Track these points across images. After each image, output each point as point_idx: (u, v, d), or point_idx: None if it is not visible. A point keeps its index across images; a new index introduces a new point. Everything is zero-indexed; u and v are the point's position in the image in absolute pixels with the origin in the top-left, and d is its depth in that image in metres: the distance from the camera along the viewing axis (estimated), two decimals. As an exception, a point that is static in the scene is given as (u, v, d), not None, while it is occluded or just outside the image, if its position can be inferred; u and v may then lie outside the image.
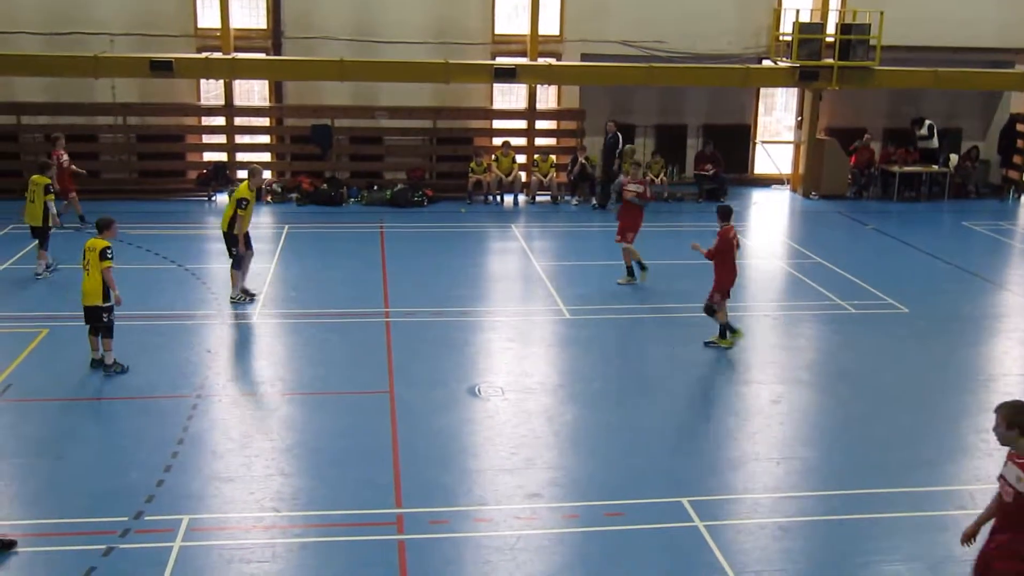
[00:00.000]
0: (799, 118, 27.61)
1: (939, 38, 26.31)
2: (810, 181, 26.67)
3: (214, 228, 21.38)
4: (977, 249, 21.96)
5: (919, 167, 26.73)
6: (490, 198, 25.19)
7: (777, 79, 26.42)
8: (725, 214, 14.65)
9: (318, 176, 25.13)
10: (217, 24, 24.41)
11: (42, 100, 24.53)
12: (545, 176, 25.42)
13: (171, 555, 9.01)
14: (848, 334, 15.69)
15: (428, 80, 24.58)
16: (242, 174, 25.09)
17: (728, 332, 14.69)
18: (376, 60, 24.27)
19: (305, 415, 12.26)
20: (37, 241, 17.60)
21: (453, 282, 17.91)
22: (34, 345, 13.86)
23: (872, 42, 25.05)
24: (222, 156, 25.34)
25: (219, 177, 24.69)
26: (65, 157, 20.76)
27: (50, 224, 17.48)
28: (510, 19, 26.11)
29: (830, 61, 25.13)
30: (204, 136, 25.99)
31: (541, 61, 25.05)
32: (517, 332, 15.46)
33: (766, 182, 28.03)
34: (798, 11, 25.85)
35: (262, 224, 22.72)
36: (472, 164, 25.10)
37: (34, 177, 17.62)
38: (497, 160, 25.20)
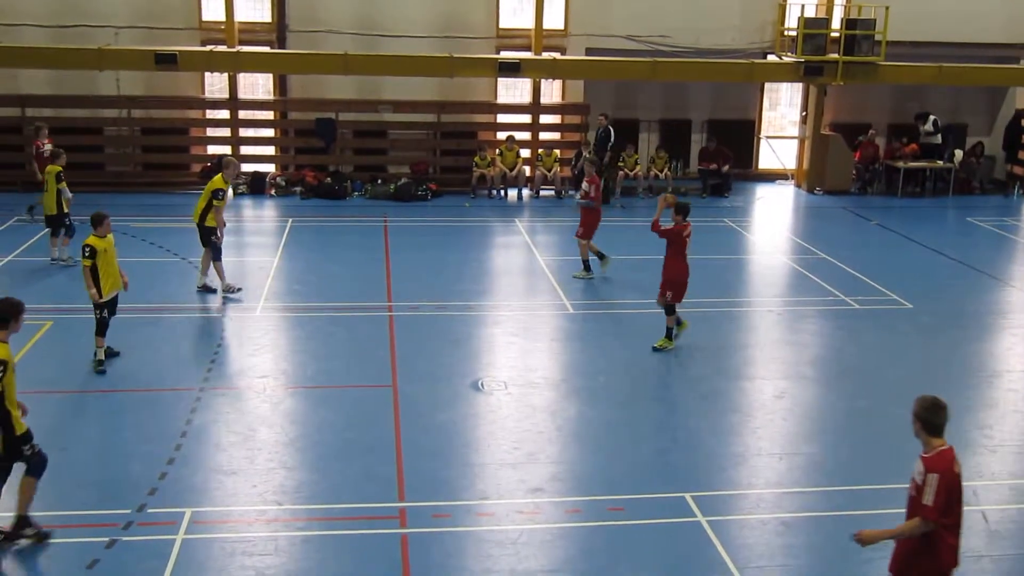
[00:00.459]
0: (803, 113, 27.56)
1: (944, 33, 26.24)
2: (814, 176, 26.64)
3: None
4: (981, 245, 21.93)
5: (923, 163, 26.68)
6: (494, 192, 25.18)
7: (782, 74, 26.36)
8: (683, 210, 14.43)
9: (322, 170, 25.13)
10: (222, 17, 24.39)
11: (46, 92, 24.54)
12: (549, 170, 25.40)
13: (174, 548, 9.03)
14: (852, 330, 15.67)
15: (432, 74, 24.55)
16: (244, 167, 25.22)
17: (674, 329, 14.59)
18: (380, 54, 24.25)
19: (308, 408, 12.27)
20: (51, 230, 17.62)
21: (457, 276, 17.91)
22: (38, 337, 13.87)
23: (877, 37, 24.99)
24: (226, 149, 25.32)
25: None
26: (47, 147, 20.65)
27: (66, 210, 17.49)
28: (515, 13, 26.06)
29: (835, 56, 25.07)
30: (208, 129, 25.97)
31: (545, 55, 25.01)
32: (521, 327, 15.46)
33: (770, 177, 27.99)
34: (803, 6, 25.78)
35: (266, 217, 22.77)
36: (476, 158, 25.07)
37: (48, 167, 17.63)
38: (501, 154, 25.18)
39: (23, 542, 8.96)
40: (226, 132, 25.47)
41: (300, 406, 12.37)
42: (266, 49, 24.85)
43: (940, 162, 26.72)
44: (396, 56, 24.15)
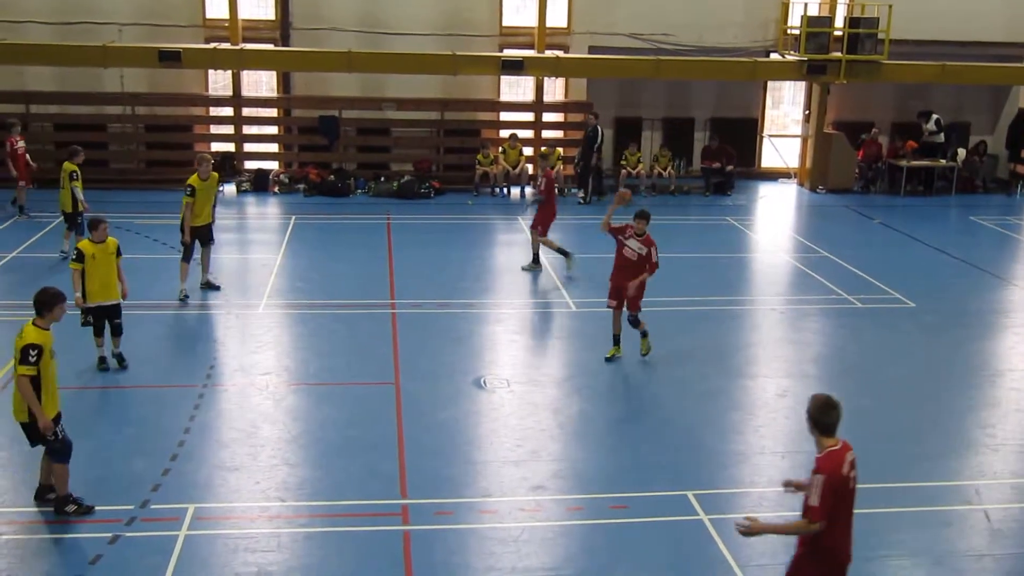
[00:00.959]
0: (806, 112, 27.55)
1: (947, 32, 26.23)
2: (817, 175, 26.63)
3: (221, 218, 21.41)
4: (984, 244, 21.91)
5: (926, 161, 26.66)
6: (497, 190, 25.18)
7: (785, 73, 26.34)
8: (642, 216, 13.53)
9: (325, 167, 25.14)
10: (225, 15, 24.42)
11: (51, 89, 24.57)
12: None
13: (177, 544, 9.05)
14: (854, 328, 15.67)
15: (436, 72, 24.56)
16: (250, 164, 25.28)
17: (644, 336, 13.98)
18: (384, 52, 24.26)
19: (311, 405, 12.29)
20: (67, 225, 17.72)
21: (459, 274, 17.92)
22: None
23: (880, 36, 24.98)
24: (230, 146, 25.37)
25: (227, 167, 24.71)
26: (20, 144, 20.66)
27: (79, 209, 17.50)
28: (518, 11, 26.07)
29: (838, 55, 25.05)
30: (212, 127, 26.00)
31: (549, 53, 25.01)
32: (523, 324, 15.48)
33: (773, 176, 27.98)
34: (806, 4, 25.77)
35: (269, 215, 22.80)
36: (479, 156, 25.08)
37: (64, 164, 17.63)
38: (504, 152, 25.19)
39: (69, 508, 9.45)
40: (230, 129, 25.51)
41: (303, 403, 12.39)
42: (270, 47, 24.88)
43: (943, 161, 26.70)
44: (399, 54, 24.16)
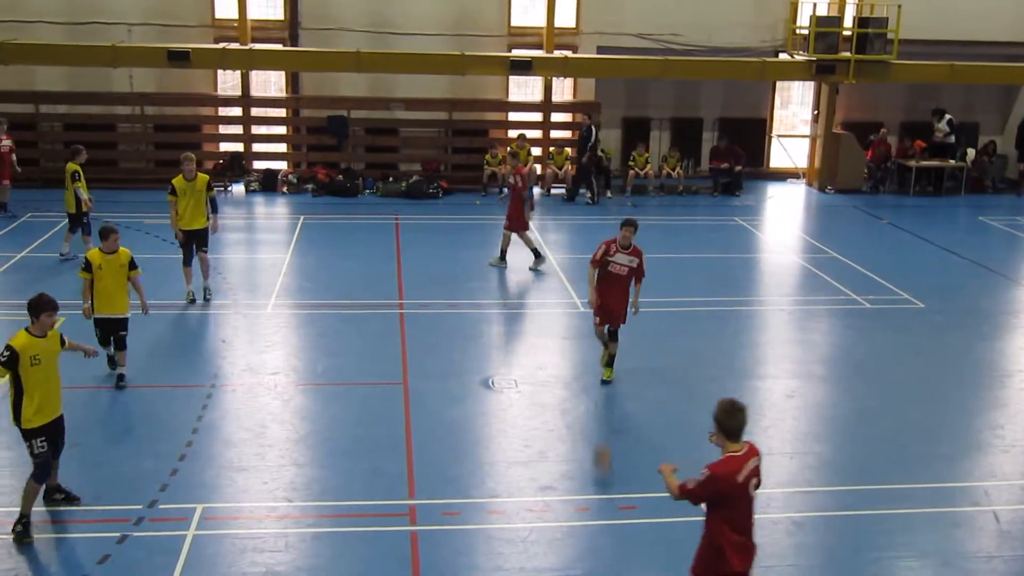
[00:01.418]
0: (815, 112, 27.49)
1: (956, 32, 26.15)
2: (826, 175, 26.57)
3: (230, 218, 21.52)
4: (994, 244, 21.85)
5: (935, 162, 26.59)
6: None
7: (793, 72, 26.30)
8: (631, 224, 12.75)
9: (334, 167, 25.17)
10: (234, 15, 24.46)
11: (61, 89, 24.63)
12: (560, 169, 25.41)
13: (184, 543, 9.06)
14: (863, 329, 15.63)
15: (444, 72, 24.57)
16: (259, 164, 25.32)
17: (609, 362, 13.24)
18: (392, 52, 24.27)
19: (319, 405, 12.30)
20: (70, 226, 17.75)
21: (467, 274, 17.92)
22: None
23: (889, 35, 24.92)
24: (238, 146, 25.41)
25: (235, 167, 24.77)
26: (5, 143, 20.68)
27: (83, 209, 17.52)
28: (526, 11, 26.05)
29: (847, 55, 25.00)
30: (221, 126, 26.05)
31: (557, 54, 25.00)
32: (531, 325, 15.47)
33: (782, 176, 27.92)
34: (815, 4, 25.73)
35: (278, 215, 22.83)
36: (487, 156, 25.08)
37: (68, 164, 17.59)
38: (513, 152, 25.17)
39: (17, 528, 9.12)
40: (238, 129, 25.54)
41: (311, 403, 12.40)
42: (279, 47, 24.91)
43: (952, 161, 26.62)
44: (408, 54, 24.17)
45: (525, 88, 26.87)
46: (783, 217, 24.38)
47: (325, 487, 10.26)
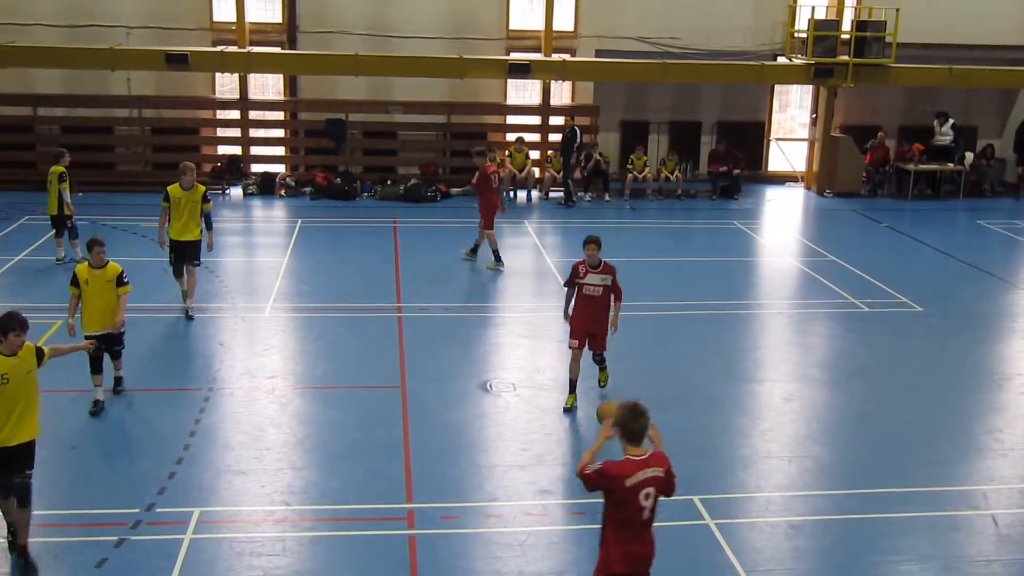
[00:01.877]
0: (814, 115, 27.49)
1: (955, 35, 26.18)
2: (824, 179, 26.57)
3: (227, 221, 21.53)
4: (992, 248, 21.85)
5: (934, 165, 26.60)
6: (503, 194, 25.13)
7: (792, 76, 26.33)
8: (594, 241, 12.03)
9: (332, 170, 25.15)
10: (233, 18, 24.45)
11: (59, 92, 24.62)
12: (558, 172, 25.39)
13: (182, 547, 9.04)
14: (861, 332, 15.62)
15: (442, 75, 24.56)
16: (256, 167, 25.30)
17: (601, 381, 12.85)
18: (391, 55, 24.27)
19: (317, 409, 12.27)
20: (54, 231, 17.67)
21: (466, 277, 17.91)
22: (47, 337, 13.88)
23: (887, 39, 24.94)
24: (236, 149, 25.40)
25: (233, 170, 24.76)
26: None
27: (66, 212, 17.49)
28: (524, 15, 26.07)
29: (845, 58, 25.02)
30: (218, 129, 26.04)
31: (555, 57, 25.01)
32: (529, 328, 15.45)
33: (780, 179, 27.92)
34: (813, 8, 25.74)
35: (275, 218, 22.81)
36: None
37: (52, 167, 17.55)
38: (511, 156, 25.18)
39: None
40: (236, 132, 25.53)
41: (309, 406, 12.38)
42: (277, 50, 24.90)
43: (951, 165, 26.63)
44: (407, 57, 24.17)
45: (523, 92, 26.87)
46: (781, 220, 24.38)
47: (323, 491, 10.23)
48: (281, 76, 25.88)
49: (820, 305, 16.95)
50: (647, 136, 26.80)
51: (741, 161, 25.95)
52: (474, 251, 18.78)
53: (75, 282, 11.80)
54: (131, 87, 24.44)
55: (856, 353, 14.81)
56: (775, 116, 28.29)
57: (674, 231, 22.48)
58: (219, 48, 24.12)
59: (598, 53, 25.77)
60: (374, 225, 21.84)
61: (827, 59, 25.03)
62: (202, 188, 15.12)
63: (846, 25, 25.66)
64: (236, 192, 24.47)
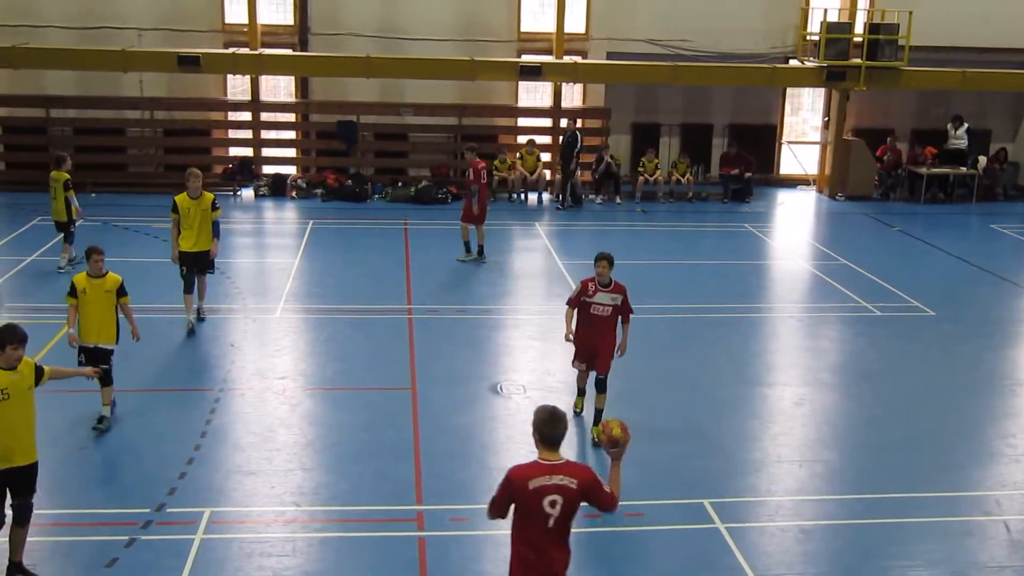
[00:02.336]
0: (826, 118, 27.43)
1: (968, 38, 26.08)
2: (836, 182, 26.50)
3: (239, 223, 21.58)
4: (1005, 252, 21.74)
5: (946, 169, 26.50)
6: (514, 196, 25.15)
7: (804, 79, 26.27)
8: (606, 258, 11.41)
9: (343, 172, 25.19)
10: (244, 20, 24.51)
11: (71, 94, 24.71)
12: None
13: (192, 547, 9.05)
14: (873, 336, 15.58)
15: (454, 77, 24.58)
16: (268, 169, 25.34)
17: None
18: (402, 57, 24.30)
19: (327, 410, 12.29)
20: (62, 235, 17.72)
21: (476, 279, 17.92)
22: (58, 337, 13.91)
23: (900, 42, 24.86)
24: (248, 151, 25.46)
25: (245, 172, 24.81)
26: None
27: (74, 217, 17.52)
28: (536, 17, 26.07)
29: (858, 61, 24.95)
30: (230, 131, 26.09)
31: (567, 59, 25.00)
32: (540, 330, 15.43)
33: (792, 183, 27.86)
34: (826, 10, 25.67)
35: (287, 219, 22.85)
36: (496, 162, 25.07)
37: (53, 173, 17.45)
38: (522, 158, 25.17)
39: None
40: (248, 134, 25.58)
41: (319, 407, 12.39)
42: (288, 52, 24.95)
43: (963, 168, 26.54)
44: (418, 59, 24.19)
45: (534, 94, 26.86)
46: (793, 224, 24.33)
47: (333, 492, 10.24)
48: (292, 78, 25.93)
49: (831, 309, 16.90)
50: (658, 139, 26.75)
51: (752, 164, 25.90)
52: (469, 249, 19.02)
53: (73, 292, 11.35)
54: (143, 89, 24.52)
55: (867, 357, 14.76)
56: (787, 119, 28.24)
57: (685, 234, 22.45)
58: (231, 50, 24.19)
59: (609, 55, 25.77)
60: (385, 227, 21.86)
61: (839, 62, 24.97)
62: (210, 196, 14.72)
63: (858, 28, 25.59)
64: (247, 194, 24.52)
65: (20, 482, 8.36)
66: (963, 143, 26.52)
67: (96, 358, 11.32)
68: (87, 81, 24.60)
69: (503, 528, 9.55)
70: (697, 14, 25.76)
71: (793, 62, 26.35)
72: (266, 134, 25.77)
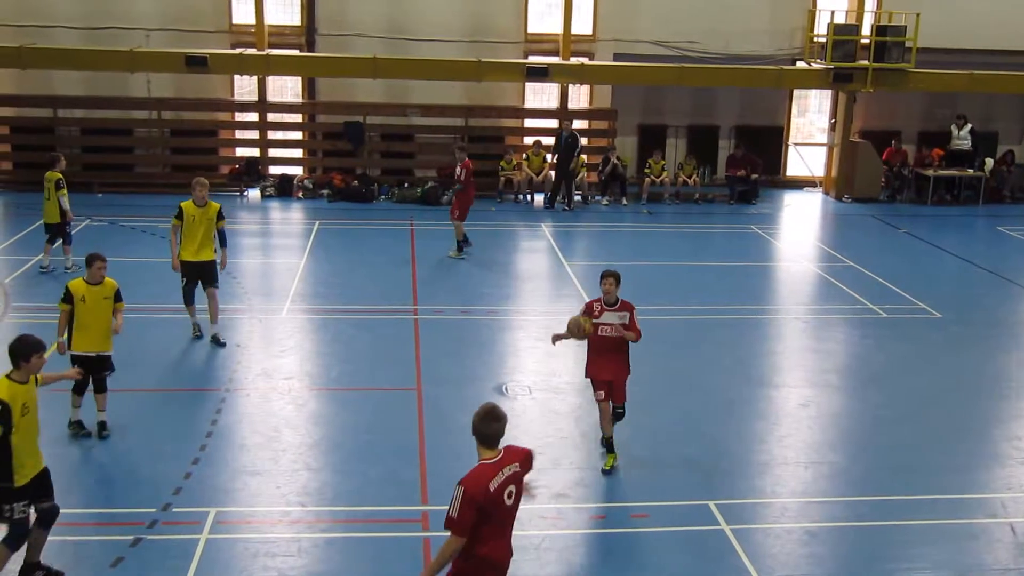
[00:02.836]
0: (832, 120, 27.40)
1: (975, 40, 26.04)
2: (843, 184, 26.47)
3: (245, 223, 21.62)
4: (1012, 254, 21.69)
5: (953, 171, 26.46)
6: (520, 197, 25.16)
7: (811, 81, 26.23)
8: (612, 275, 10.74)
9: (349, 173, 25.22)
10: (252, 20, 24.54)
11: (79, 94, 24.76)
12: (576, 176, 25.35)
13: (198, 547, 9.07)
14: (879, 338, 15.55)
15: (460, 78, 24.60)
16: (274, 169, 25.37)
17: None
18: (409, 58, 24.31)
19: (332, 411, 12.30)
20: (48, 236, 17.36)
21: (482, 280, 17.92)
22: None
23: (907, 44, 24.82)
24: (254, 151, 25.50)
25: (251, 172, 24.85)
26: None
27: (67, 219, 17.36)
28: (543, 18, 26.09)
29: (865, 63, 24.91)
30: (237, 132, 26.14)
31: (573, 60, 25.00)
32: (545, 331, 15.34)
33: (799, 184, 27.82)
34: (833, 12, 25.63)
35: (293, 220, 22.87)
36: (503, 163, 25.09)
37: (47, 174, 17.31)
38: (528, 159, 25.18)
39: None
40: (254, 135, 25.63)
41: (324, 408, 12.41)
42: (295, 52, 24.99)
43: (970, 170, 26.49)
44: (424, 60, 24.21)
45: (541, 95, 26.86)
46: (800, 226, 24.30)
47: (338, 492, 10.25)
48: (299, 79, 25.94)
49: (837, 310, 16.88)
50: (665, 140, 26.77)
51: (759, 166, 25.88)
52: (460, 248, 19.37)
53: (68, 298, 10.96)
54: (150, 89, 24.57)
55: (873, 359, 14.74)
56: (794, 121, 28.20)
57: (692, 235, 22.44)
58: (238, 51, 24.22)
59: (616, 57, 25.77)
60: (391, 227, 21.88)
61: (846, 64, 24.93)
62: (216, 205, 14.20)
63: (865, 30, 25.56)
64: (254, 194, 24.56)
65: (48, 487, 8.48)
66: (967, 143, 26.48)
67: (94, 367, 11.09)
68: (95, 81, 24.65)
69: (508, 529, 9.59)
70: (704, 16, 25.75)
71: (800, 64, 26.32)
72: (273, 135, 25.81)
